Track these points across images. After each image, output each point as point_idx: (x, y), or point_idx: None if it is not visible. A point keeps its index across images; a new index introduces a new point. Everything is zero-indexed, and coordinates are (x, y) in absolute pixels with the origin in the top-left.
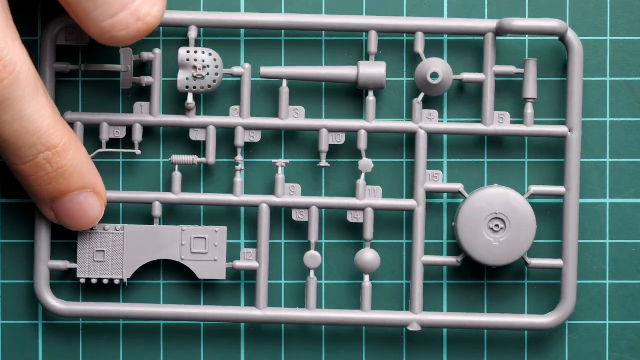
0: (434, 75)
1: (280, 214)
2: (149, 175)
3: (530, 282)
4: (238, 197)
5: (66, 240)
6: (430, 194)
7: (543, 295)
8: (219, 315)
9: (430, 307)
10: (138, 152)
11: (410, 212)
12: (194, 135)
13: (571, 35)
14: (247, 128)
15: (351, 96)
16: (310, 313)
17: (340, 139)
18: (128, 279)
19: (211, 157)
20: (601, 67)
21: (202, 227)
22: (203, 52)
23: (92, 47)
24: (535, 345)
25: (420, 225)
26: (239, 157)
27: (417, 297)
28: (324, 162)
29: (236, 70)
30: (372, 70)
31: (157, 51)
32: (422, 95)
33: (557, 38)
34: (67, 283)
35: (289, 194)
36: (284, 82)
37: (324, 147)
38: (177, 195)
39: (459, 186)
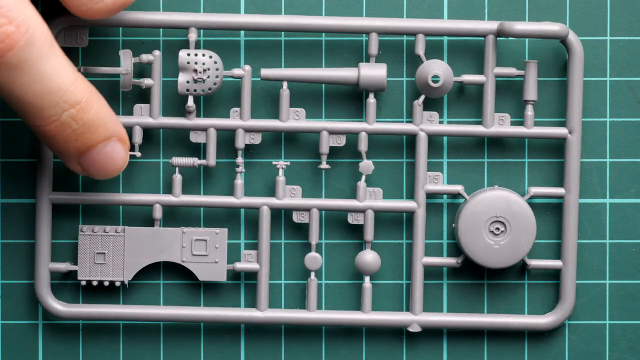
0: (435, 77)
1: (280, 215)
2: (149, 177)
3: (529, 282)
4: (239, 199)
5: (66, 240)
6: (430, 194)
7: (543, 296)
8: (219, 316)
9: (430, 307)
10: (138, 154)
11: (411, 214)
12: (194, 138)
13: (572, 37)
14: (248, 130)
15: (351, 97)
16: (310, 314)
17: (341, 141)
18: (129, 281)
19: (211, 159)
20: (601, 67)
21: (202, 229)
22: (203, 55)
23: (91, 49)
24: (535, 345)
25: (421, 227)
26: (240, 159)
27: (417, 299)
28: (324, 164)
29: (236, 72)
30: (373, 72)
31: (157, 53)
32: (422, 97)
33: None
34: (67, 283)
35: (289, 195)
36: (285, 84)
37: (324, 149)
38: (177, 197)
39: (459, 188)
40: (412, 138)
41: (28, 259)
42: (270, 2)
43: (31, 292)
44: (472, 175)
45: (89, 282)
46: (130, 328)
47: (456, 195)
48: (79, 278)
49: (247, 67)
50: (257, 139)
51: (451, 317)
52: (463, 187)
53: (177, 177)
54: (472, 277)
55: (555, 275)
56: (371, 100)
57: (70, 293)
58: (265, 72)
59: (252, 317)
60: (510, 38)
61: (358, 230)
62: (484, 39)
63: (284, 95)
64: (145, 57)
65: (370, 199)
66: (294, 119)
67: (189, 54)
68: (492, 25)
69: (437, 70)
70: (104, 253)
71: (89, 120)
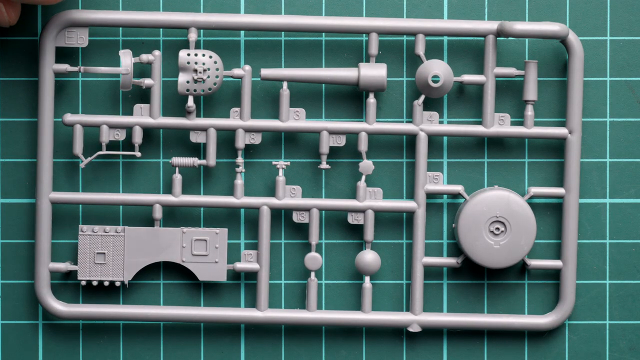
0: (435, 77)
1: (280, 215)
2: (149, 177)
3: (529, 282)
4: (239, 199)
5: (66, 240)
6: (430, 194)
7: (543, 296)
8: (219, 316)
9: (430, 307)
10: (138, 154)
11: (411, 214)
12: (194, 138)
13: (572, 37)
14: (248, 130)
15: (351, 97)
16: (310, 314)
17: (341, 141)
18: (129, 281)
19: (211, 159)
20: (601, 67)
21: (202, 229)
22: (203, 55)
23: (91, 49)
24: (535, 345)
25: (421, 227)
26: (240, 159)
27: (418, 299)
28: (324, 164)
29: (236, 72)
30: (373, 72)
31: (157, 53)
32: (422, 97)
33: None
34: (67, 283)
35: (289, 195)
36: (285, 84)
37: (324, 149)
38: (177, 197)
39: (459, 188)
40: (412, 138)
41: (28, 259)
42: (270, 2)
43: (31, 292)
44: (472, 175)
45: (89, 282)
46: (130, 328)
47: (456, 195)
48: (79, 278)
49: (247, 67)
50: (257, 139)
51: (451, 317)
52: (463, 187)
53: (177, 177)
54: (472, 277)
55: (555, 275)
56: (371, 100)
57: (70, 293)
58: (265, 72)
59: (252, 317)
60: (510, 38)
61: (358, 230)
62: (484, 39)
63: (284, 95)
64: (145, 57)
65: (370, 199)
66: (294, 119)
67: (189, 54)
68: (492, 26)
69: (437, 70)
70: (104, 253)
71: None
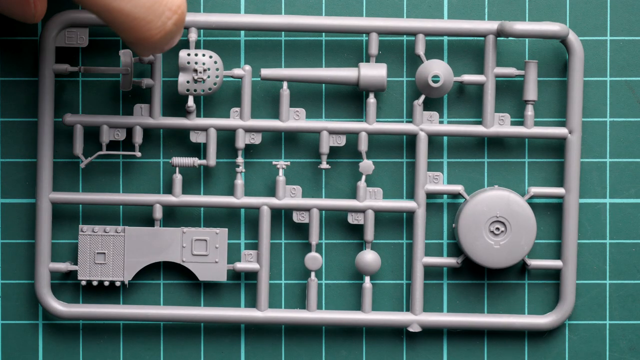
0: (435, 77)
1: (280, 215)
2: (149, 177)
3: (530, 282)
4: (239, 199)
5: (66, 240)
6: (430, 194)
7: (543, 296)
8: (219, 316)
9: (431, 307)
10: (138, 154)
11: (411, 214)
12: (195, 138)
13: (572, 37)
14: (248, 130)
15: (351, 97)
16: (310, 314)
17: (341, 141)
18: (129, 281)
19: (212, 159)
20: (601, 67)
21: (202, 229)
22: (203, 55)
23: (91, 49)
24: (535, 345)
25: (421, 227)
26: (240, 159)
27: (418, 299)
28: (324, 164)
29: (236, 72)
30: (373, 72)
31: None
32: (422, 97)
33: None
34: (67, 283)
35: (289, 195)
36: (285, 84)
37: (324, 149)
38: (177, 197)
39: (459, 188)
40: (412, 138)
41: (28, 259)
42: (270, 2)
43: (31, 292)
44: (472, 175)
45: (89, 282)
46: (130, 328)
47: (456, 195)
48: (79, 278)
49: (247, 67)
50: (257, 139)
51: (451, 317)
52: (463, 187)
53: (177, 177)
54: (472, 277)
55: (555, 275)
56: (371, 100)
57: (70, 293)
58: (265, 72)
59: (252, 317)
60: (510, 38)
61: (358, 230)
62: (484, 39)
63: (284, 95)
64: (145, 57)
65: (370, 199)
66: (294, 119)
67: (189, 54)
68: (492, 25)
69: (437, 70)
70: (104, 253)
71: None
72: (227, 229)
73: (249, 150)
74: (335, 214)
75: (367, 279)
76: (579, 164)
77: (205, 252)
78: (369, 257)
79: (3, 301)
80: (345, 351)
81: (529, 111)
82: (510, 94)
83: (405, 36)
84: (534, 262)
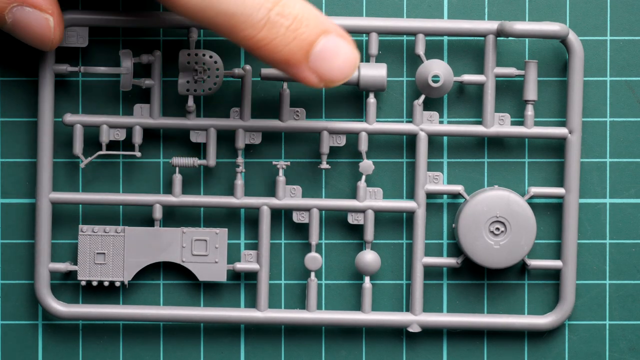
0: (435, 77)
1: (280, 215)
2: (149, 177)
3: (529, 283)
4: (239, 199)
5: (66, 240)
6: (430, 194)
7: (543, 296)
8: (219, 316)
9: (430, 308)
10: (138, 154)
11: (411, 214)
12: (195, 137)
13: (572, 37)
14: (248, 130)
15: (351, 97)
16: (310, 314)
17: (341, 141)
18: (129, 281)
19: (212, 159)
20: (601, 67)
21: (202, 229)
22: (204, 55)
23: (91, 49)
24: (535, 345)
25: (421, 227)
26: (240, 159)
27: (417, 299)
28: (324, 164)
29: (237, 71)
30: (373, 72)
31: (157, 53)
32: (422, 97)
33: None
34: (67, 284)
35: (289, 195)
36: (285, 84)
37: (324, 149)
38: (177, 197)
39: (459, 188)
40: (412, 138)
41: (28, 259)
42: None
43: (31, 292)
44: (472, 175)
45: (89, 282)
46: (130, 328)
47: (456, 195)
48: (79, 278)
49: (247, 67)
50: (257, 139)
51: (451, 317)
52: (463, 187)
53: (178, 177)
54: (472, 277)
55: (555, 275)
56: (371, 100)
57: (70, 293)
58: (265, 72)
59: (252, 317)
60: (510, 38)
61: (358, 230)
62: (484, 39)
63: (284, 95)
64: (145, 57)
65: (370, 199)
66: (294, 119)
67: (189, 54)
68: (492, 25)
69: (437, 70)
70: (104, 253)
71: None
72: (227, 229)
73: (249, 150)
74: (335, 214)
75: (367, 279)
76: (579, 164)
77: (205, 252)
78: (368, 257)
79: (3, 301)
80: (345, 351)
81: (529, 111)
82: (510, 94)
83: (405, 36)
84: (534, 262)
